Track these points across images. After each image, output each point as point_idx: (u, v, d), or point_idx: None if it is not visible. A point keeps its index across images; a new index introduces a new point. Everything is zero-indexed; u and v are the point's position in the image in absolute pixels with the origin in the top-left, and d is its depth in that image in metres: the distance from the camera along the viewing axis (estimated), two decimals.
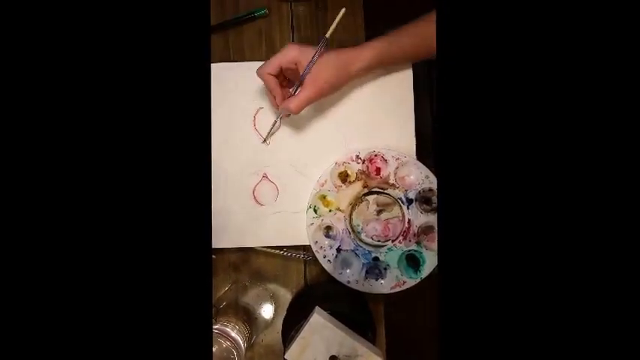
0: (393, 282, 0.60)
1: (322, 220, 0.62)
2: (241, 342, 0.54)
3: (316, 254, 0.61)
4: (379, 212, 0.62)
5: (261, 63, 0.56)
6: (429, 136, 0.81)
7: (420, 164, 0.61)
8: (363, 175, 0.62)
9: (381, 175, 0.62)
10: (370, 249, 0.61)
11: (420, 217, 0.61)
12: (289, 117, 0.62)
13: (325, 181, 0.62)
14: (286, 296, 0.64)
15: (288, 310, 0.63)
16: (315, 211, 0.62)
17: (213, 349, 0.51)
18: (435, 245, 0.60)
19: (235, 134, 0.64)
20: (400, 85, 0.64)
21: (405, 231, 0.61)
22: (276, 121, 0.62)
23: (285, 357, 0.48)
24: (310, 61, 0.54)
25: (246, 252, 0.65)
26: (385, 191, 0.62)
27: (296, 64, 0.55)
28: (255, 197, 0.64)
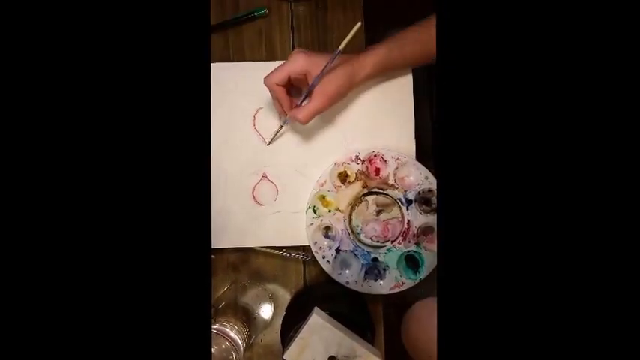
0: (392, 283, 0.60)
1: (322, 220, 0.62)
2: (240, 342, 0.54)
3: (315, 254, 0.61)
4: (379, 213, 0.62)
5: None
6: (429, 140, 0.81)
7: (419, 165, 0.61)
8: (363, 175, 0.62)
9: (380, 175, 0.62)
10: (369, 249, 0.61)
11: (420, 218, 0.61)
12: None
13: (325, 182, 0.62)
14: (285, 296, 0.64)
15: (287, 311, 0.63)
16: (315, 211, 0.62)
17: (212, 349, 0.51)
18: (434, 246, 0.60)
19: (235, 134, 0.64)
20: (401, 90, 0.64)
21: (404, 232, 0.61)
22: (282, 126, 0.62)
23: (284, 357, 0.48)
24: (320, 73, 0.53)
25: (245, 252, 0.65)
26: (385, 192, 0.62)
27: (305, 74, 0.54)
28: (254, 197, 0.64)
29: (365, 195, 0.62)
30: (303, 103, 0.56)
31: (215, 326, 0.54)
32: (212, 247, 0.62)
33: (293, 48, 0.67)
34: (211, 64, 0.63)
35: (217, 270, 0.64)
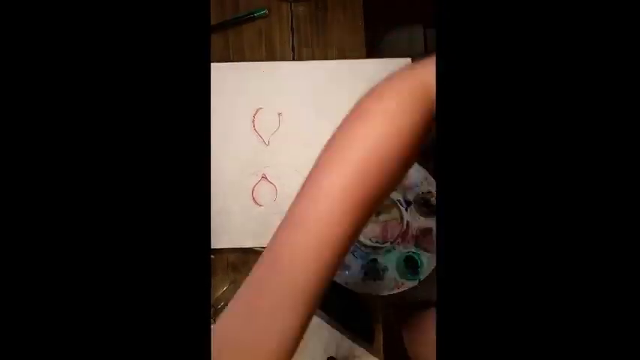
0: (391, 284, 0.60)
1: None
2: None
3: None
4: (377, 214, 0.62)
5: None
6: (429, 142, 0.81)
7: (418, 166, 0.61)
8: None
9: None
10: (368, 251, 0.61)
11: (419, 220, 0.61)
12: (287, 118, 0.62)
13: None
14: None
15: None
16: None
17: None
18: (433, 248, 0.60)
19: (235, 134, 0.64)
20: None
21: (403, 233, 0.61)
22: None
23: None
24: None
25: (244, 252, 0.64)
26: None
27: None
28: (254, 198, 0.64)
29: None
30: None
31: (214, 326, 0.54)
32: (212, 247, 0.62)
33: (293, 48, 0.67)
34: (211, 64, 0.63)
35: (217, 270, 0.64)
